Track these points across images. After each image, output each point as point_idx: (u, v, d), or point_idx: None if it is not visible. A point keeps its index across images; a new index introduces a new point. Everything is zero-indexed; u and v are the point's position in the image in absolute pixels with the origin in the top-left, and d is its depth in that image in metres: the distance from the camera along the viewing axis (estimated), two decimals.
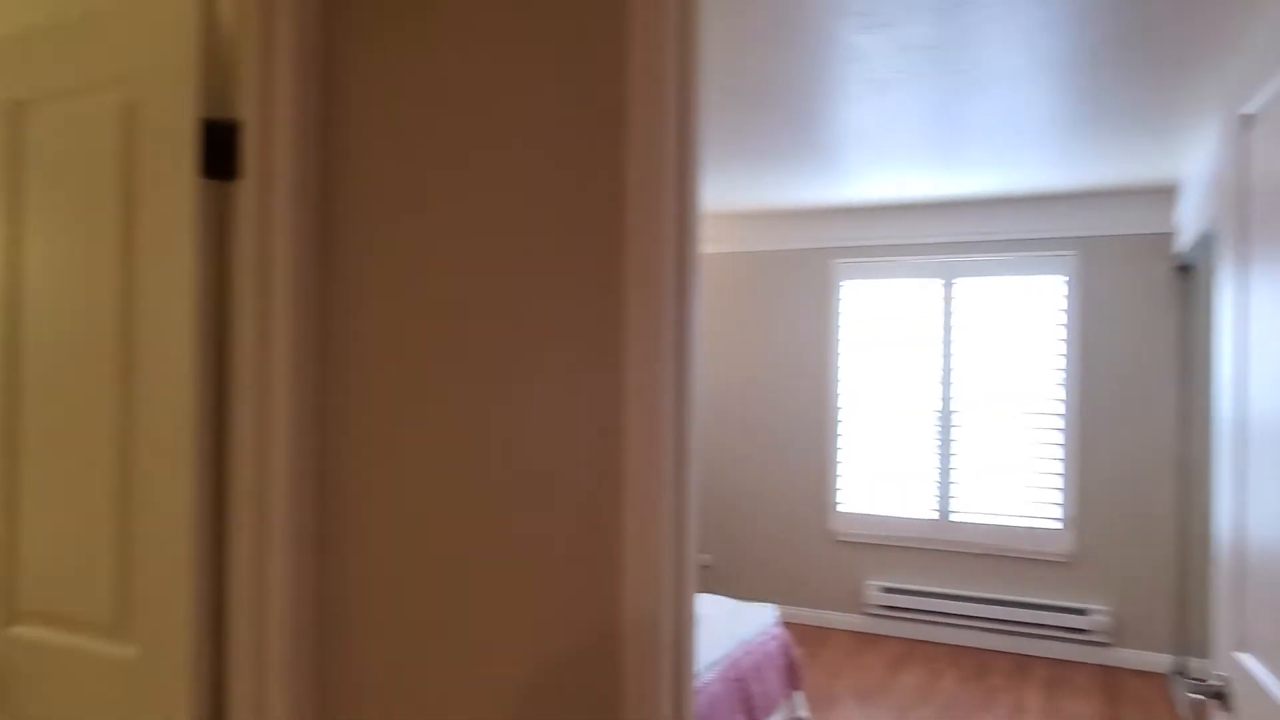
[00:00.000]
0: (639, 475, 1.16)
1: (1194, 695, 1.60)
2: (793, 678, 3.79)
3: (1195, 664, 4.57)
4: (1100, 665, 4.83)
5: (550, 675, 1.20)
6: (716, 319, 5.80)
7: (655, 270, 1.15)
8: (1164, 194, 4.63)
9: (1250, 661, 1.49)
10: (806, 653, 4.98)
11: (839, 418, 5.43)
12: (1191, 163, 3.93)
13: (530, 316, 1.22)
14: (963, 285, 5.14)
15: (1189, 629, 4.60)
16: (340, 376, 1.34)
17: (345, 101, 1.34)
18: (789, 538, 5.59)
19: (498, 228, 1.24)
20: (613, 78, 1.17)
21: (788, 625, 5.49)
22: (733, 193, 4.82)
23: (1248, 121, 1.56)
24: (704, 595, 4.01)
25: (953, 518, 5.14)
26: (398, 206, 1.30)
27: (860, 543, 5.40)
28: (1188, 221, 4.13)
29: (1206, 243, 3.89)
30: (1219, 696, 1.59)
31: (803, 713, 3.90)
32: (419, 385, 1.28)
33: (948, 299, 5.17)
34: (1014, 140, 3.63)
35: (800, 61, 2.76)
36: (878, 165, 4.11)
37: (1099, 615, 4.81)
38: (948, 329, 5.16)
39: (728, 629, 3.53)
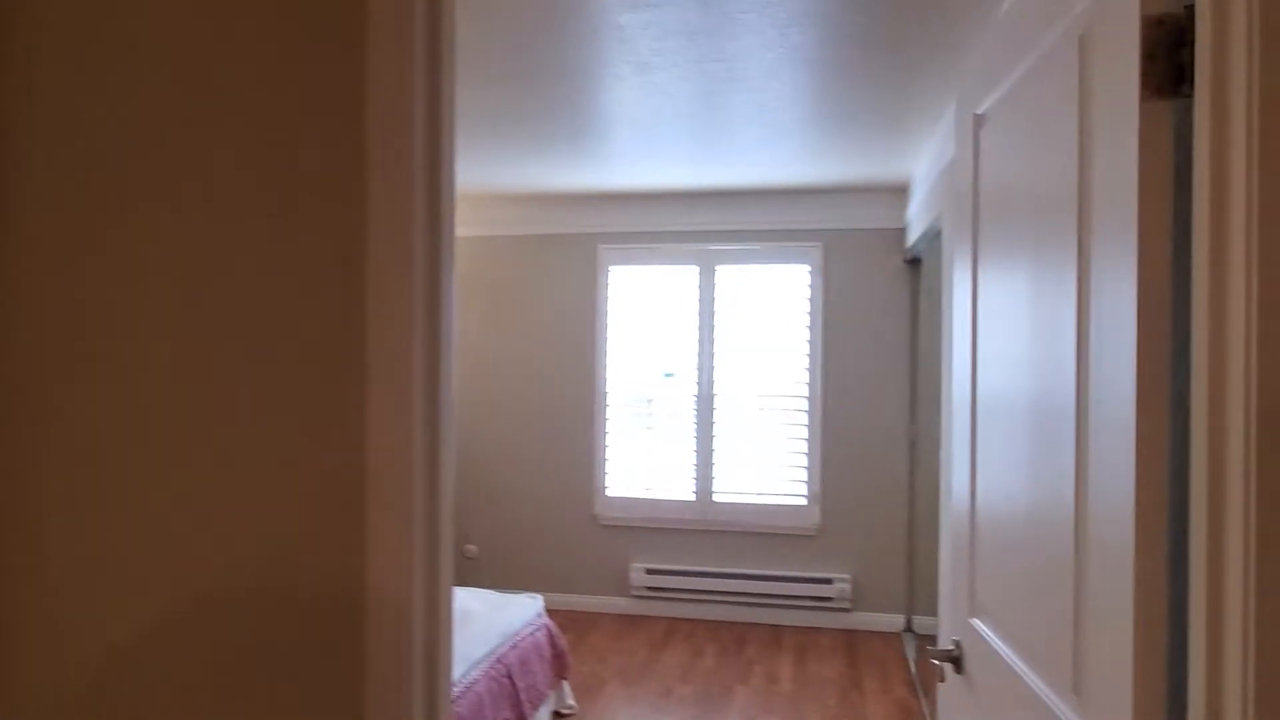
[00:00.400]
0: (383, 467, 1.02)
1: (932, 660, 1.69)
2: (560, 667, 3.74)
3: (921, 622, 5.04)
4: (843, 630, 5.20)
5: (293, 682, 1.03)
6: (484, 302, 5.63)
7: (402, 252, 1.02)
8: (898, 192, 5.03)
9: (981, 626, 1.60)
10: (574, 639, 4.97)
11: (606, 402, 5.46)
12: (920, 164, 4.28)
13: (248, 297, 1.04)
14: (721, 273, 5.32)
15: (916, 591, 5.06)
16: None
17: None
18: (556, 525, 5.55)
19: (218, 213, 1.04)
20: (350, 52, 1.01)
21: (556, 613, 5.46)
22: (501, 175, 4.68)
23: (980, 120, 1.66)
24: (468, 589, 3.87)
25: (714, 498, 5.32)
26: None
27: (626, 526, 5.46)
28: (916, 218, 4.50)
29: (932, 237, 4.26)
30: (953, 660, 1.70)
31: (570, 701, 3.87)
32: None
33: (707, 285, 5.33)
34: (769, 134, 3.77)
35: (566, 40, 2.68)
36: (643, 152, 4.13)
37: (841, 583, 5.17)
38: (708, 315, 5.32)
39: (493, 624, 3.42)
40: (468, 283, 5.64)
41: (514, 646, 3.41)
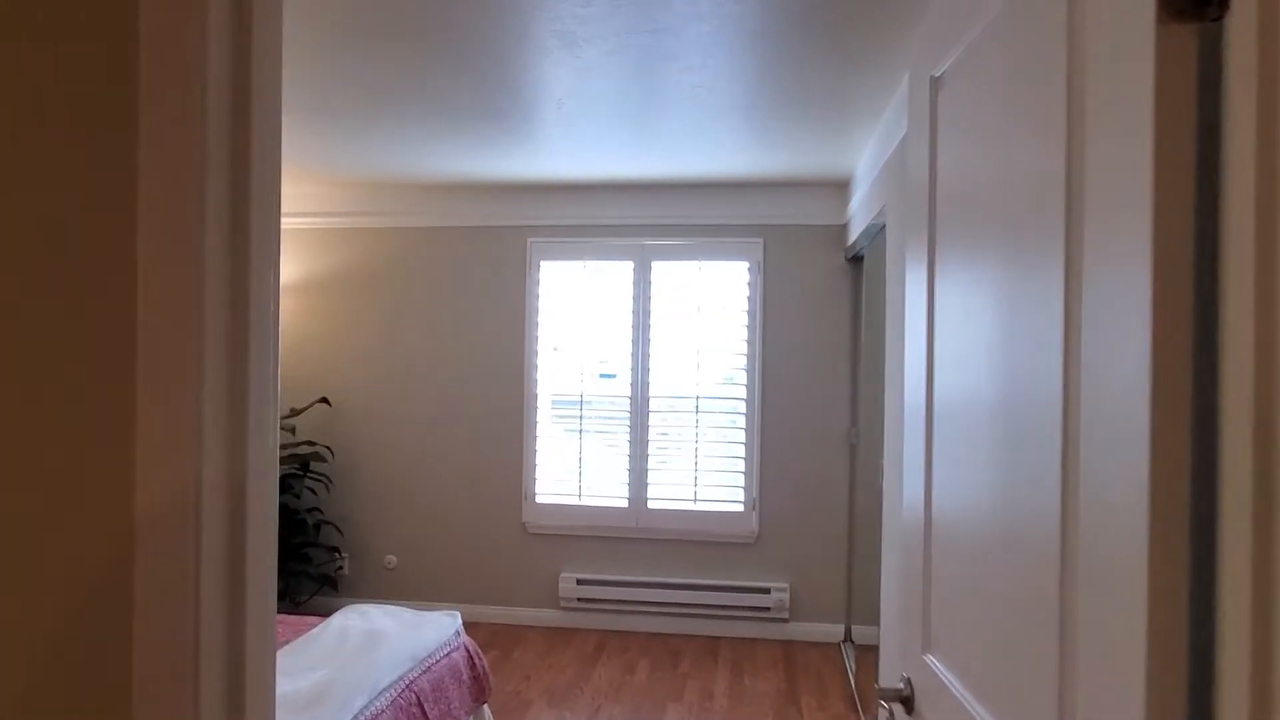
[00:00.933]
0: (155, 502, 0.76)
1: (880, 701, 1.48)
2: (479, 690, 3.47)
3: (861, 631, 4.88)
4: (781, 641, 5.01)
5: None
6: (403, 298, 5.32)
7: (183, 238, 0.76)
8: (840, 188, 4.87)
9: (935, 663, 1.39)
10: (499, 655, 4.70)
11: (536, 404, 5.19)
12: (864, 158, 4.11)
13: None
14: (658, 269, 5.10)
15: (855, 600, 4.90)
16: None
17: None
18: (482, 533, 5.27)
19: None
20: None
21: (481, 626, 5.17)
22: (422, 160, 4.38)
23: (938, 84, 1.46)
24: (381, 607, 3.57)
25: (649, 504, 5.09)
26: None
27: (555, 534, 5.20)
28: (859, 214, 4.34)
29: (874, 234, 4.09)
30: (903, 700, 1.49)
31: None
32: None
33: (643, 282, 5.10)
34: (707, 118, 3.55)
35: (487, 5, 2.42)
36: (574, 138, 3.88)
37: (779, 592, 4.98)
38: (642, 313, 5.09)
39: (404, 646, 3.13)
40: (384, 278, 5.32)
41: (427, 670, 3.13)
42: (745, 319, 5.04)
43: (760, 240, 5.01)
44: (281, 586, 4.84)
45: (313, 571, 4.98)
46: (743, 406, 5.05)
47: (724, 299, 5.07)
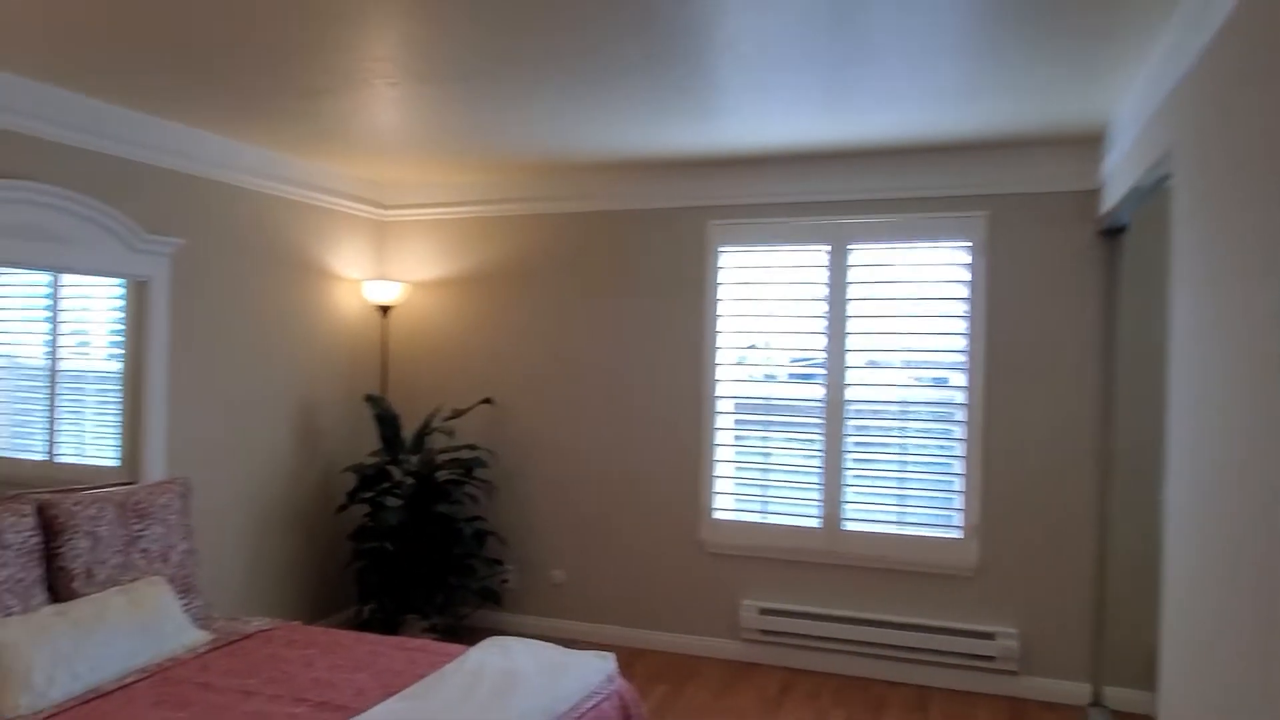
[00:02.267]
0: None
1: None
2: None
3: (1116, 695, 3.92)
4: (1007, 697, 4.14)
5: None
6: (572, 289, 4.88)
7: None
8: (1087, 144, 3.93)
9: None
10: (669, 691, 4.14)
11: (715, 409, 4.60)
12: (1128, 100, 3.21)
13: None
14: (856, 254, 4.36)
15: (1108, 654, 3.95)
16: None
17: None
18: (654, 551, 4.73)
19: None
20: None
21: (651, 655, 4.64)
22: (587, 136, 3.89)
23: None
24: (523, 642, 3.10)
25: (845, 526, 4.37)
26: None
27: (736, 556, 4.58)
28: (1118, 174, 3.42)
29: (1142, 196, 3.18)
30: None
31: None
32: None
33: (839, 268, 4.38)
34: (919, 64, 2.81)
35: None
36: (754, 92, 3.25)
37: (1005, 639, 4.11)
38: (839, 304, 4.37)
39: (541, 695, 2.63)
40: (549, 269, 4.90)
41: None
42: (963, 309, 4.20)
43: (983, 214, 4.16)
44: (441, 600, 4.53)
45: (474, 585, 4.64)
46: (960, 414, 4.21)
47: (937, 286, 4.26)
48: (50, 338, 3.45)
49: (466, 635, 4.62)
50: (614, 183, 4.72)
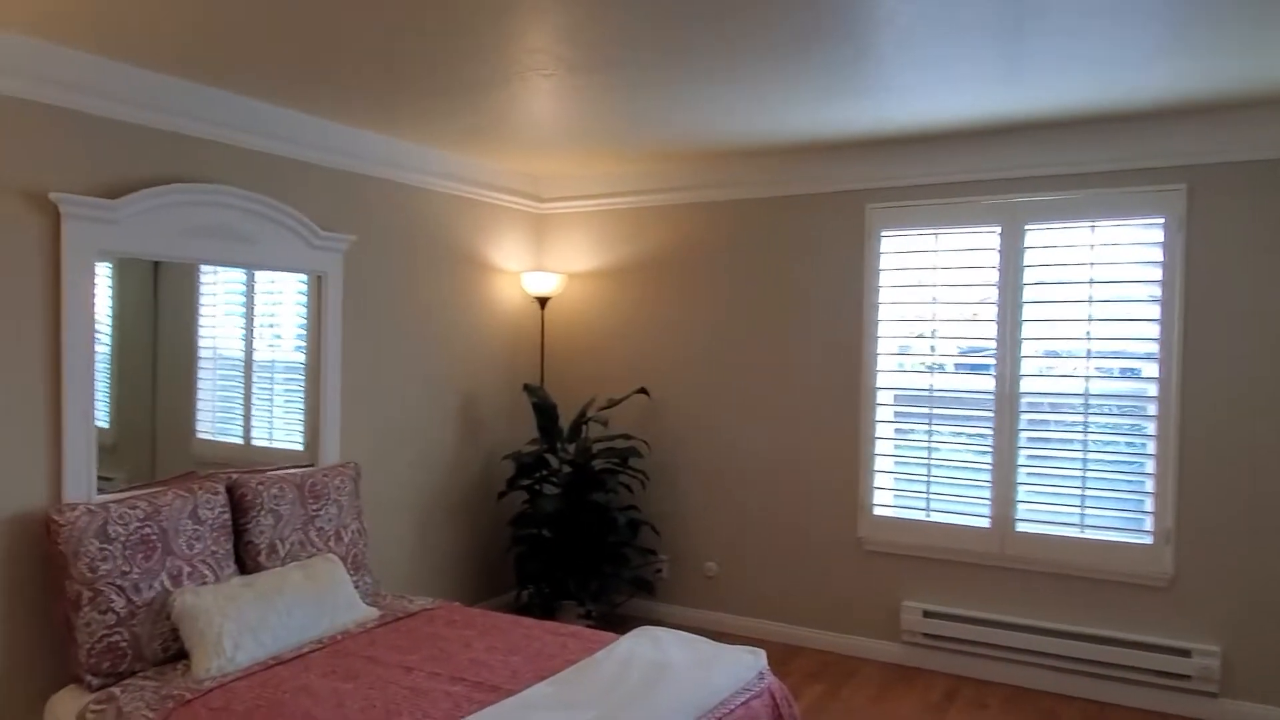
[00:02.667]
0: None
1: None
2: None
3: None
4: None
5: None
6: (724, 279, 4.81)
7: None
8: None
9: None
10: (825, 691, 4.01)
11: (875, 400, 4.41)
12: None
13: None
14: (1033, 234, 4.06)
15: None
16: None
17: None
18: (810, 545, 4.60)
19: None
20: None
21: (806, 653, 4.52)
22: (736, 121, 3.80)
23: None
24: (673, 633, 3.07)
25: (1017, 527, 4.09)
26: None
27: (897, 555, 4.38)
28: None
29: None
30: None
31: None
32: None
33: (1012, 251, 4.09)
34: (1106, 21, 2.56)
35: None
36: (919, 71, 3.07)
37: (1204, 657, 3.72)
38: (1011, 289, 4.09)
39: (691, 689, 2.59)
40: (701, 258, 4.84)
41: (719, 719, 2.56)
42: (1156, 293, 3.83)
43: (1182, 187, 3.77)
44: (596, 587, 4.59)
45: (628, 574, 4.67)
46: (1152, 407, 3.84)
47: (1125, 268, 3.90)
48: (246, 331, 3.71)
49: (620, 623, 4.66)
50: (769, 168, 4.60)
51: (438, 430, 4.64)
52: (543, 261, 5.36)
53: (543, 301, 5.15)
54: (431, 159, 4.46)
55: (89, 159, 3.06)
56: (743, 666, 2.81)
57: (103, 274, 3.13)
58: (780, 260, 4.66)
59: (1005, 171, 4.08)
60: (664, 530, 4.98)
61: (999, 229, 4.11)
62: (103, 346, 3.16)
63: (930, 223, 4.27)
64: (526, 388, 4.80)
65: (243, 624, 2.88)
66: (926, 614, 4.26)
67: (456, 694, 2.61)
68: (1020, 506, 4.09)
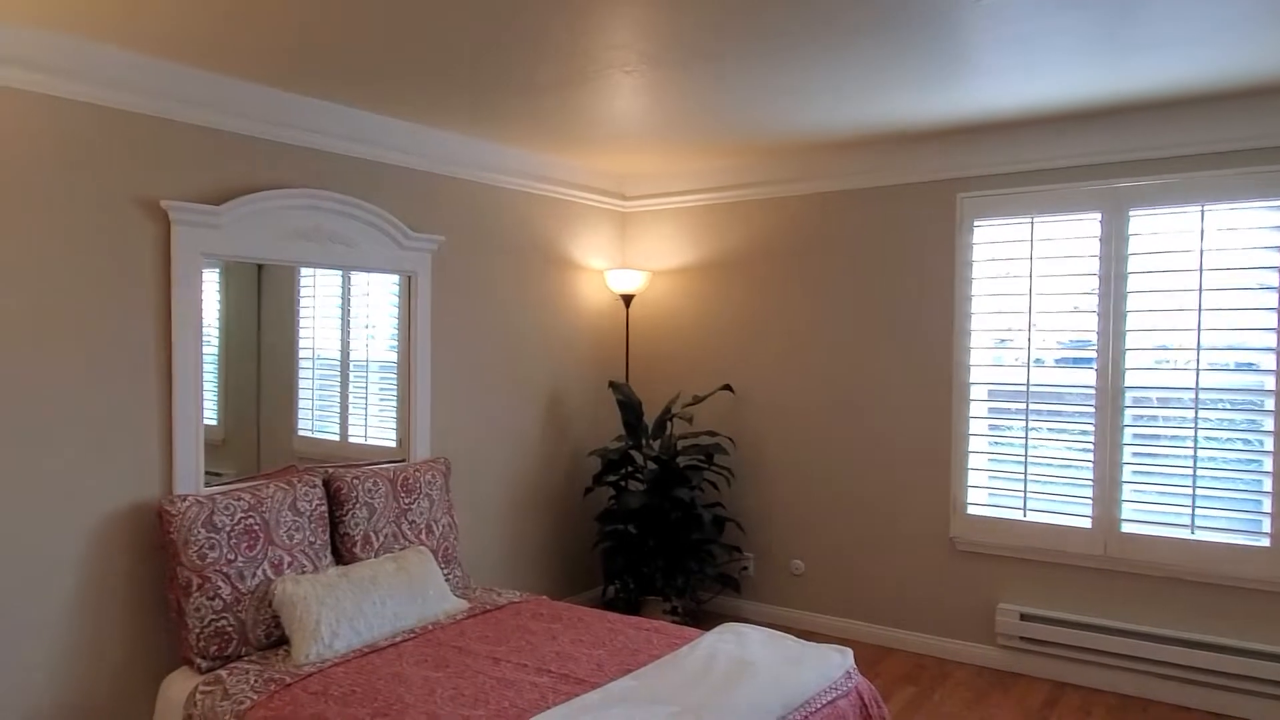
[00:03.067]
0: None
1: None
2: None
3: None
4: None
5: None
6: (810, 273, 4.74)
7: None
8: None
9: None
10: (916, 695, 3.92)
11: (968, 396, 4.28)
12: None
13: None
14: (1138, 220, 3.87)
15: None
16: None
17: None
18: (901, 545, 4.50)
19: None
20: None
21: (898, 655, 4.42)
22: (820, 112, 3.75)
23: None
24: (760, 630, 3.05)
25: (1122, 528, 3.91)
26: None
27: (992, 555, 4.24)
28: None
29: None
30: None
31: None
32: None
33: (1115, 239, 3.91)
34: None
35: None
36: (1012, 50, 2.96)
37: None
38: (1114, 279, 3.91)
39: (775, 687, 2.57)
40: (786, 252, 4.78)
41: (805, 719, 2.52)
42: (1274, 280, 3.60)
43: None
44: (681, 583, 4.58)
45: (713, 571, 4.65)
46: (1269, 402, 3.62)
47: (1238, 254, 3.68)
48: (342, 331, 3.85)
49: (705, 620, 4.65)
50: (855, 159, 4.52)
51: (525, 426, 4.71)
52: (627, 259, 5.39)
53: (627, 299, 5.17)
54: (516, 159, 4.53)
55: (194, 167, 3.22)
56: (830, 665, 2.76)
57: (211, 279, 3.29)
58: (868, 252, 4.57)
59: (1106, 155, 3.90)
60: (749, 527, 4.94)
61: (1100, 215, 3.94)
62: (211, 348, 3.32)
63: (1026, 211, 4.12)
64: (612, 385, 4.83)
65: (340, 612, 2.99)
66: (1024, 617, 4.11)
67: (542, 685, 2.65)
68: (1125, 506, 3.91)
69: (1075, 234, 4.01)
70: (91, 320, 2.95)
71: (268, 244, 3.43)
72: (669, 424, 4.77)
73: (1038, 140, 4.03)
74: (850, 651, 2.89)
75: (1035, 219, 4.10)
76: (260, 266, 3.49)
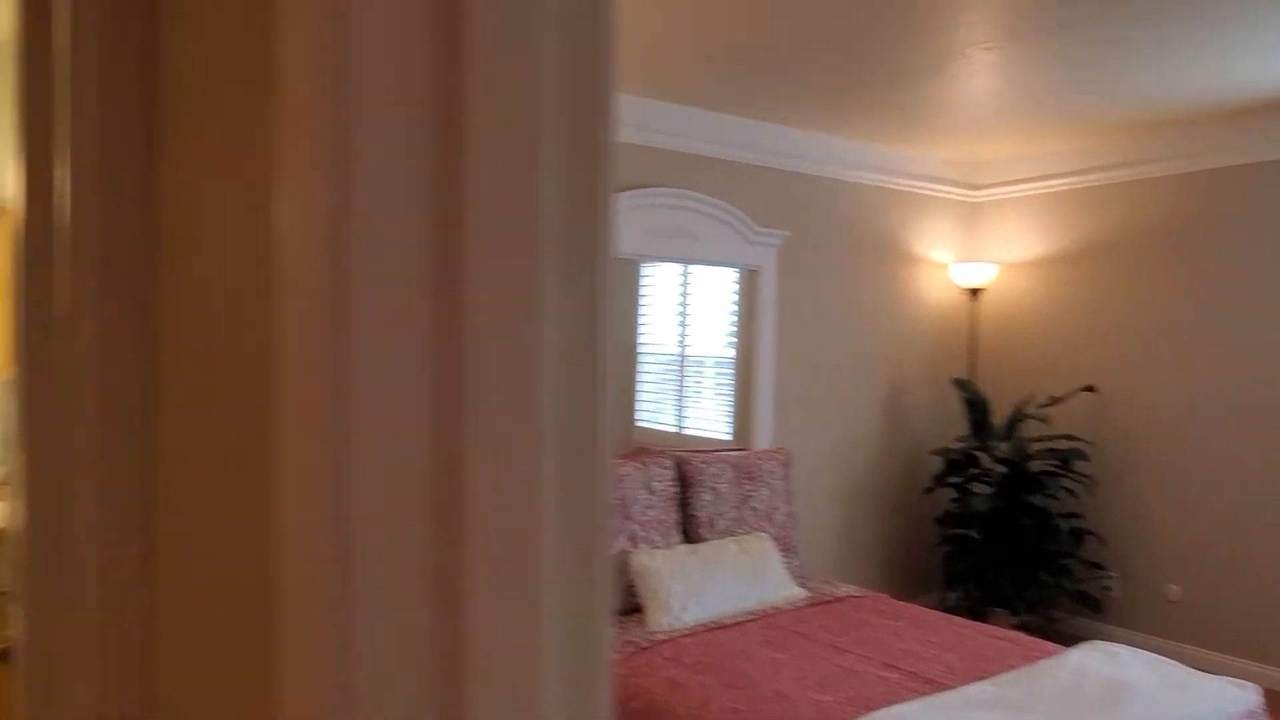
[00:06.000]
0: None
1: None
2: None
3: None
4: None
5: None
6: (1191, 263, 4.17)
7: None
8: None
9: None
10: None
11: None
12: None
13: None
14: None
15: None
16: None
17: None
18: None
19: None
20: None
21: None
22: (1193, 78, 3.28)
23: None
24: (1137, 652, 2.75)
25: None
26: None
27: None
28: None
29: None
30: None
31: None
32: None
33: None
34: None
35: None
36: None
37: None
38: None
39: (1166, 712, 2.30)
40: (1162, 240, 4.23)
41: None
42: None
43: None
44: (1033, 597, 4.25)
45: (1069, 587, 4.26)
46: None
47: None
48: (680, 325, 4.07)
49: (1059, 639, 4.28)
50: (1251, 129, 3.91)
51: (864, 422, 4.65)
52: (976, 251, 5.11)
53: (974, 293, 4.90)
54: (861, 153, 4.49)
55: None
56: (1227, 700, 2.43)
57: None
58: (1264, 236, 3.93)
59: None
60: (1113, 543, 4.46)
61: None
62: None
63: None
64: (957, 382, 4.61)
65: (689, 587, 3.16)
66: None
67: (890, 680, 2.61)
68: None
69: None
70: None
71: (633, 240, 3.70)
72: (1021, 425, 4.45)
73: None
74: (1255, 688, 2.52)
75: None
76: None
